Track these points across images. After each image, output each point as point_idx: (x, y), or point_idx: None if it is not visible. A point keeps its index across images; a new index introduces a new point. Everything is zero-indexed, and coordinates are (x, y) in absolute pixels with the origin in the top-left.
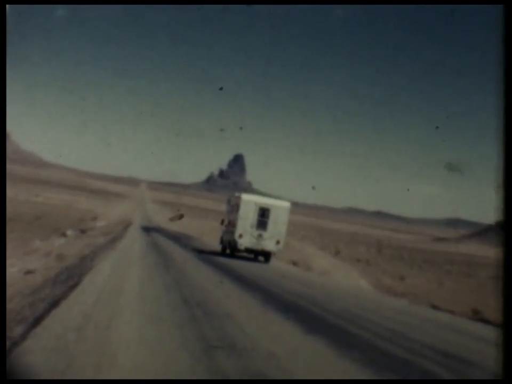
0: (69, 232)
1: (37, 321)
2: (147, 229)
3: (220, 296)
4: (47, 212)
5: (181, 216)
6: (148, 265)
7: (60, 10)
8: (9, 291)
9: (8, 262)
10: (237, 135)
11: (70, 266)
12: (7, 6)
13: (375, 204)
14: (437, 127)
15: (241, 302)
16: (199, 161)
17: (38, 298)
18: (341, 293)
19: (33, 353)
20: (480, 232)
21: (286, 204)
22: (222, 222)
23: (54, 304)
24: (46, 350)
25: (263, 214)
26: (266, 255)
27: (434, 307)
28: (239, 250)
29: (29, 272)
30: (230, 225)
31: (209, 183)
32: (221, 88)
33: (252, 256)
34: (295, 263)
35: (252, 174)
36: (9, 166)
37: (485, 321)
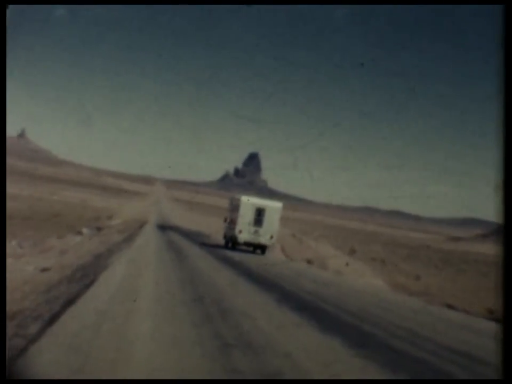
0: (84, 230)
1: (53, 318)
2: (162, 227)
3: (238, 296)
4: (63, 210)
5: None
6: (163, 264)
7: (60, 10)
8: (25, 288)
9: (24, 259)
10: (252, 133)
11: (86, 264)
12: (7, 6)
13: (391, 203)
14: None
15: (257, 300)
16: (215, 160)
17: (53, 296)
18: (356, 292)
19: (49, 350)
20: (495, 231)
21: (278, 205)
22: (225, 220)
23: (70, 302)
24: (61, 347)
25: (259, 213)
26: (262, 248)
27: (449, 306)
28: (239, 244)
29: (45, 269)
30: (232, 223)
31: (225, 182)
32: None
33: (250, 248)
34: (310, 262)
35: (268, 173)
36: (25, 164)
37: (500, 320)
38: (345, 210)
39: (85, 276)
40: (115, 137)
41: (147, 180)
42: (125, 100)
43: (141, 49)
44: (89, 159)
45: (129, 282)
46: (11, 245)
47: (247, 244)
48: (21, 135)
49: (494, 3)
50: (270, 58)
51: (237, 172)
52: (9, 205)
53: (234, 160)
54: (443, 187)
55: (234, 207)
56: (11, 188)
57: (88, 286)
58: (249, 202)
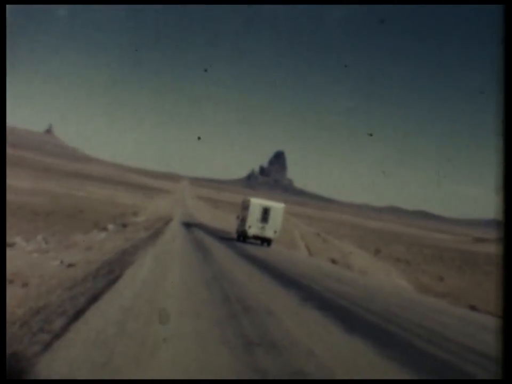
0: (110, 226)
1: (78, 314)
2: (187, 225)
3: (264, 295)
4: (88, 206)
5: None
6: (188, 262)
7: (60, 10)
8: (51, 283)
9: (50, 254)
10: (278, 133)
11: (111, 260)
12: (7, 6)
13: (416, 203)
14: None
15: (281, 299)
16: (241, 158)
17: (78, 291)
18: (380, 292)
19: (74, 346)
20: None
21: (281, 205)
22: (238, 217)
23: (95, 298)
24: (86, 343)
25: (265, 212)
26: (268, 241)
27: (472, 308)
28: (248, 237)
29: (70, 265)
30: (243, 220)
31: (250, 180)
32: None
33: (258, 242)
34: (334, 261)
35: (293, 172)
36: (52, 161)
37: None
38: (371, 210)
39: (110, 272)
40: (142, 134)
41: (173, 178)
42: (153, 98)
43: (165, 47)
44: (116, 156)
45: (155, 278)
46: (37, 240)
47: (255, 237)
48: (48, 131)
49: (494, 3)
50: (298, 57)
51: (262, 170)
52: (35, 200)
53: (260, 158)
54: (469, 188)
55: (245, 207)
56: (37, 184)
57: (113, 282)
58: (257, 202)
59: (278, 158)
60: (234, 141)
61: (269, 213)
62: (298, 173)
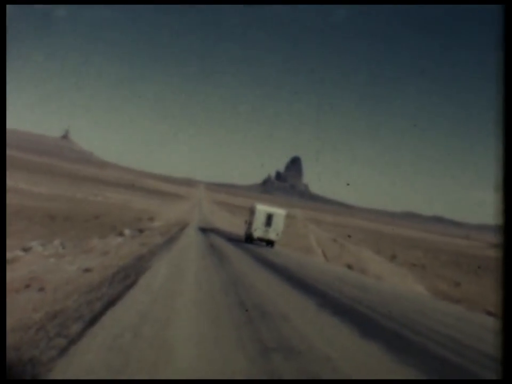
0: (126, 231)
1: (94, 319)
2: (203, 230)
3: (279, 299)
4: (105, 211)
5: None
6: (205, 268)
7: (60, 10)
8: (68, 288)
9: (67, 259)
10: (294, 138)
11: (127, 265)
12: (7, 6)
13: (433, 208)
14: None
15: (297, 304)
16: (257, 163)
17: (95, 296)
18: (396, 298)
19: (90, 351)
20: None
21: (283, 212)
22: (245, 221)
23: (111, 303)
24: (102, 348)
25: (269, 217)
26: (271, 242)
27: (489, 313)
28: (254, 239)
29: (87, 270)
30: (250, 224)
31: (266, 185)
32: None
33: (263, 243)
34: (350, 266)
35: (309, 177)
36: (69, 166)
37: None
38: (387, 215)
39: (127, 277)
40: (158, 140)
41: (189, 183)
42: (170, 103)
43: (182, 49)
44: (132, 161)
45: (170, 283)
46: (53, 245)
47: (260, 239)
48: (65, 136)
49: (494, 3)
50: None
51: (278, 175)
52: (52, 205)
53: (276, 163)
54: (486, 193)
55: (252, 212)
56: (54, 189)
57: (129, 287)
58: (262, 209)
59: (294, 163)
60: (251, 147)
61: (272, 218)
62: (315, 179)
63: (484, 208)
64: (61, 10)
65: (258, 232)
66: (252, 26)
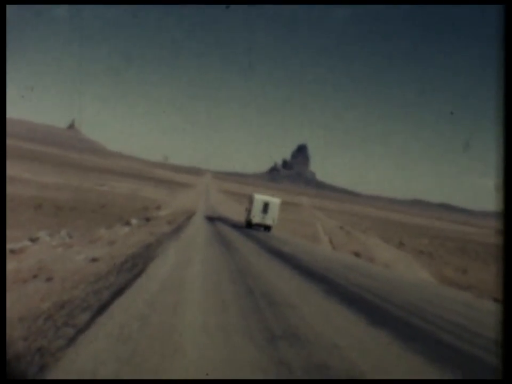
0: (133, 221)
1: (102, 308)
2: (210, 218)
3: (288, 289)
4: (111, 201)
5: None
6: (212, 256)
7: (60, 10)
8: (75, 278)
9: (74, 249)
10: (301, 126)
11: (135, 254)
12: (7, 6)
13: (440, 196)
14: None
15: (305, 292)
16: (264, 152)
17: (102, 286)
18: (403, 286)
19: (98, 340)
20: None
21: (278, 200)
22: (246, 209)
23: (118, 292)
24: (110, 337)
25: (265, 205)
26: (268, 227)
27: (497, 300)
28: (252, 225)
29: (94, 259)
30: (249, 211)
31: (273, 174)
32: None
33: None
34: (357, 254)
35: (316, 165)
36: (75, 156)
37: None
38: (395, 203)
39: (134, 266)
40: (166, 129)
41: (197, 172)
42: (176, 93)
43: (189, 39)
44: (139, 151)
45: (178, 273)
46: (61, 235)
47: (258, 224)
48: (71, 126)
49: (494, 3)
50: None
51: (285, 163)
52: (59, 195)
53: (283, 151)
54: (493, 180)
55: (251, 201)
56: (61, 179)
57: (137, 276)
58: (259, 197)
59: (301, 151)
60: (257, 135)
61: (268, 206)
62: (321, 166)
63: (491, 194)
64: (61, 10)
65: (256, 218)
66: (262, 15)
